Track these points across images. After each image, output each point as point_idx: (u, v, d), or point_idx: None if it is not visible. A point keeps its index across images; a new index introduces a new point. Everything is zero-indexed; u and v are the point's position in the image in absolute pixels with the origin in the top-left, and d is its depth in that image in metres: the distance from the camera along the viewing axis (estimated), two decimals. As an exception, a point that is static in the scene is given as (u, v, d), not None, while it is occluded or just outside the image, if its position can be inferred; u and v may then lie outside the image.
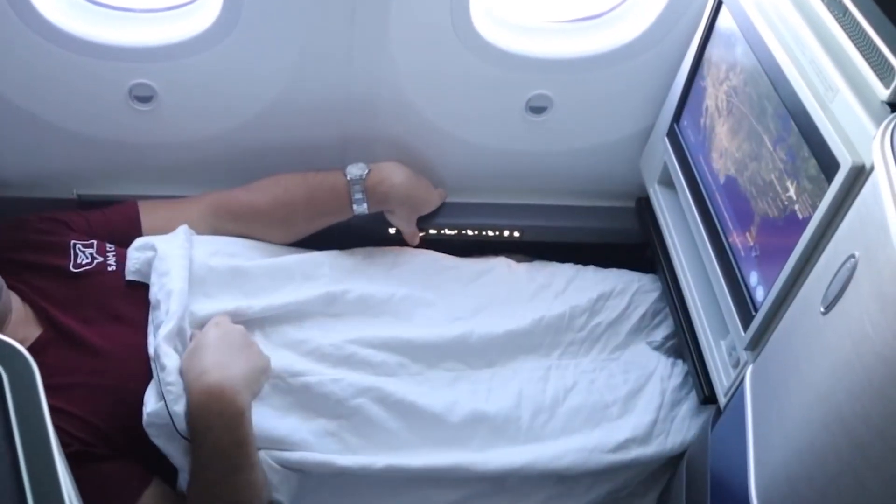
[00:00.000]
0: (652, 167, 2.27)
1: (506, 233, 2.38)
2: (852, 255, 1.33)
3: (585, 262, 2.34)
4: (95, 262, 1.96)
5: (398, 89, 2.16)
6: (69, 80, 2.09)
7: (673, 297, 2.14)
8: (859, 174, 1.41)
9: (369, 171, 2.19)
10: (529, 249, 2.39)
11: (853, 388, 1.27)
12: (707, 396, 1.93)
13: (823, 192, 1.49)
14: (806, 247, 1.53)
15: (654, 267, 2.28)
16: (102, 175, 2.27)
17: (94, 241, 2.00)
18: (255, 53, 2.07)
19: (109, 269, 1.96)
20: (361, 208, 2.19)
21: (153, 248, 1.97)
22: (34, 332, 1.85)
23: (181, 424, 1.71)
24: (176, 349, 1.81)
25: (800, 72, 1.60)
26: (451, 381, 2.03)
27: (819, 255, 1.49)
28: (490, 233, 2.37)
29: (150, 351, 1.82)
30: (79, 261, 1.95)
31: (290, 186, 2.19)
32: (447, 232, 2.35)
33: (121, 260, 1.98)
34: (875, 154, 1.32)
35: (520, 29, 2.17)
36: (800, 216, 1.58)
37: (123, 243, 2.02)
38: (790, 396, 1.48)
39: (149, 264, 1.95)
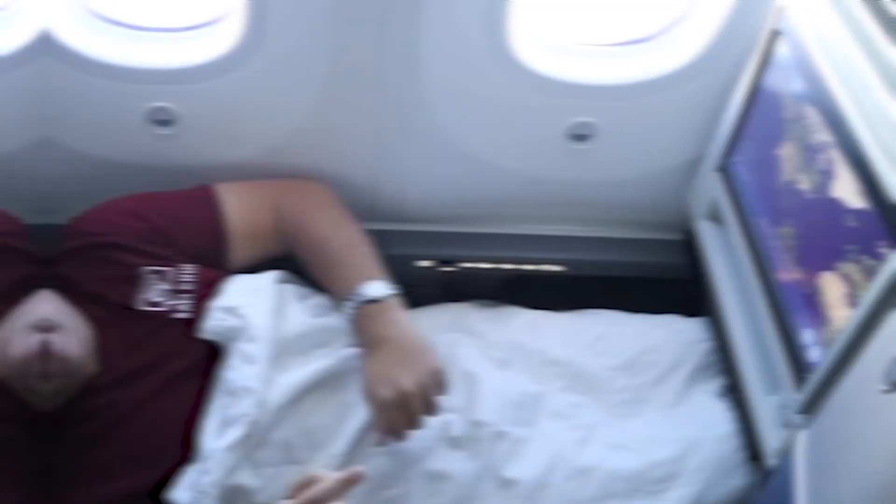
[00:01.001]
0: (700, 202, 2.14)
1: (545, 266, 2.25)
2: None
3: (627, 298, 2.19)
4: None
5: (430, 114, 2.06)
6: (85, 102, 2.01)
7: (720, 339, 2.00)
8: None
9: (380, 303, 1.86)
10: (569, 284, 2.26)
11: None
12: (756, 454, 1.79)
13: (886, 258, 1.35)
14: (867, 315, 1.37)
15: (701, 306, 2.14)
16: None
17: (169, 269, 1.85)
18: (279, 77, 1.98)
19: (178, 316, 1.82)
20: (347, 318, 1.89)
21: (241, 316, 1.80)
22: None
23: None
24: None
25: (868, 125, 1.45)
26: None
27: (880, 326, 1.35)
28: (528, 266, 2.25)
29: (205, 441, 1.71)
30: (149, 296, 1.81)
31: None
32: (482, 266, 2.23)
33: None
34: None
35: (561, 52, 2.06)
36: (858, 279, 1.43)
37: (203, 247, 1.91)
38: (844, 479, 1.36)
39: (232, 331, 1.79)
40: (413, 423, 1.73)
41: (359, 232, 1.98)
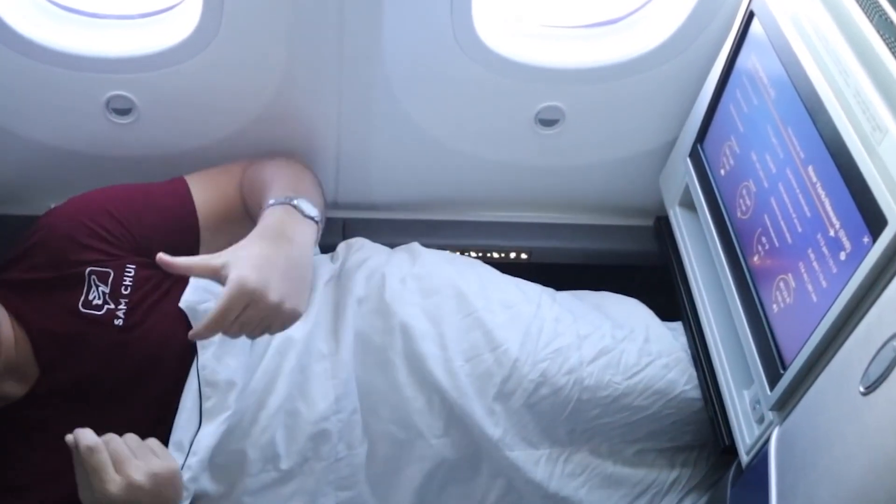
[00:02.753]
0: (673, 188, 2.03)
1: (512, 254, 2.17)
2: (896, 335, 1.11)
3: (598, 286, 2.11)
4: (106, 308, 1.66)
5: (394, 99, 1.96)
6: (42, 92, 1.92)
7: (692, 332, 1.90)
8: (911, 234, 1.17)
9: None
10: (537, 272, 2.15)
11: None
12: (726, 448, 1.70)
13: (866, 250, 1.24)
14: (843, 310, 1.28)
15: (673, 294, 2.03)
16: (80, 190, 2.01)
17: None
18: (238, 63, 1.89)
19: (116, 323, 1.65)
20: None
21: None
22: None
23: None
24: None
25: (843, 106, 1.34)
26: None
27: (858, 323, 1.26)
28: (496, 254, 2.16)
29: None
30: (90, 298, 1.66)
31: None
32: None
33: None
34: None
35: (528, 36, 1.96)
36: (836, 271, 1.33)
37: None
38: (820, 479, 1.26)
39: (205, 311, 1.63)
40: (240, 329, 1.50)
41: (314, 184, 1.83)
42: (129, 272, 1.66)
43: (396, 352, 1.77)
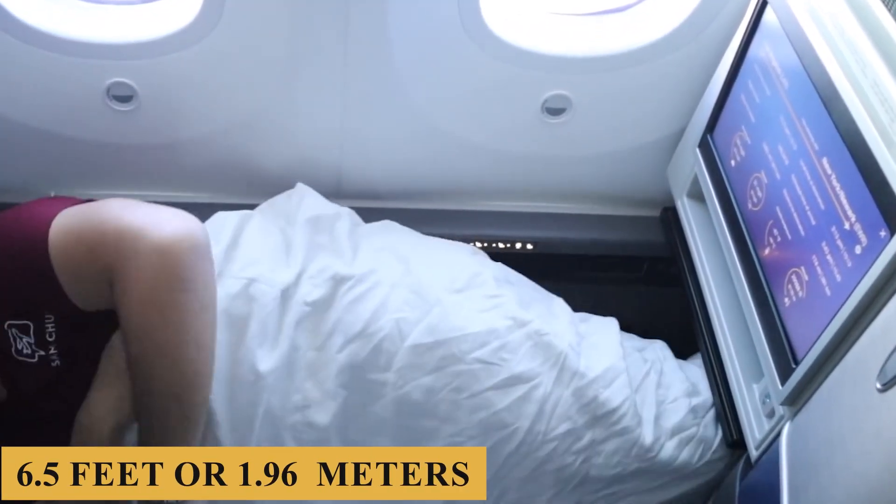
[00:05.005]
0: (681, 178, 2.00)
1: (518, 245, 2.13)
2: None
3: (605, 276, 2.09)
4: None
5: (399, 88, 1.93)
6: (41, 78, 1.89)
7: (700, 323, 1.87)
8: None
9: None
10: (543, 262, 2.14)
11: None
12: (735, 441, 1.70)
13: (883, 244, 1.21)
14: (858, 305, 1.25)
15: (681, 285, 2.01)
16: (80, 178, 2.07)
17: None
18: (241, 51, 1.86)
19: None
20: None
21: None
22: None
23: None
24: None
25: (860, 97, 1.31)
26: None
27: (874, 318, 1.23)
28: (501, 245, 2.13)
29: None
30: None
31: None
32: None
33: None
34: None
35: (536, 23, 1.92)
36: (851, 265, 1.30)
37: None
38: (835, 477, 1.23)
39: None
40: None
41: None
42: (50, 320, 1.56)
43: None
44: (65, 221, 1.48)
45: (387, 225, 1.94)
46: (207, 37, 1.82)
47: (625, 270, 2.14)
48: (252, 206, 1.95)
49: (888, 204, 1.21)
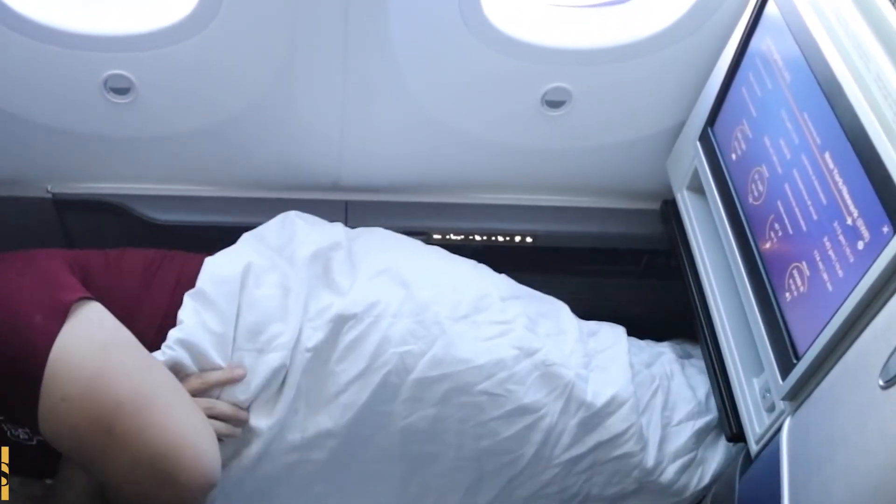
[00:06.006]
0: (680, 171, 1.97)
1: (517, 238, 2.11)
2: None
3: (605, 269, 2.08)
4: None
5: (399, 80, 1.90)
6: (38, 70, 1.85)
7: (700, 317, 1.85)
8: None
9: None
10: (543, 255, 2.13)
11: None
12: (735, 435, 1.67)
13: (886, 240, 1.20)
14: (861, 301, 1.23)
15: (680, 278, 1.98)
16: (78, 170, 2.04)
17: None
18: (240, 43, 1.83)
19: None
20: None
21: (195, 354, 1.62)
22: None
23: None
24: None
25: (863, 91, 1.29)
26: None
27: (876, 314, 1.21)
28: (500, 238, 2.10)
29: None
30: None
31: None
32: (453, 237, 2.08)
33: None
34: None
35: (536, 15, 1.89)
36: (853, 261, 1.28)
37: None
38: (836, 473, 1.22)
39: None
40: None
41: None
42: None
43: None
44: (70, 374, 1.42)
45: (384, 238, 1.91)
46: (205, 29, 1.79)
47: (624, 263, 2.12)
48: (251, 200, 1.95)
49: (891, 199, 1.19)
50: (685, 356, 1.98)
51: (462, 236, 2.09)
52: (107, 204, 2.06)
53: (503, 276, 1.91)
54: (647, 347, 1.98)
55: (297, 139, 2.01)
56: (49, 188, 2.06)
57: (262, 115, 1.95)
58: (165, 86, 1.91)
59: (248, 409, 1.62)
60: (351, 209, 2.06)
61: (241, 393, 1.60)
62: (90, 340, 1.44)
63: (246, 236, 1.80)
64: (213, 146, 2.00)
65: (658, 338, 2.05)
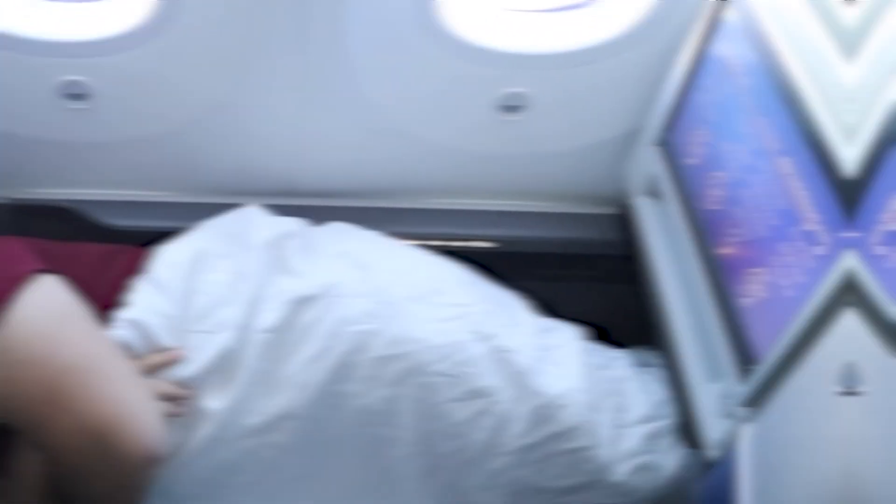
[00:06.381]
0: (638, 176, 1.99)
1: (475, 242, 2.12)
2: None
3: (561, 274, 2.10)
4: None
5: (355, 85, 1.92)
6: None
7: (658, 322, 1.85)
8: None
9: None
10: (500, 260, 2.10)
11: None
12: (691, 440, 1.68)
13: (844, 245, 1.20)
14: (819, 306, 1.24)
15: (637, 283, 1.99)
16: (34, 177, 2.05)
17: None
18: (197, 49, 1.86)
19: None
20: None
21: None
22: None
23: None
24: None
25: (821, 96, 1.31)
26: None
27: (834, 321, 1.22)
28: (458, 243, 2.09)
29: None
30: None
31: None
32: (409, 242, 2.03)
33: None
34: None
35: (492, 20, 1.92)
36: (812, 266, 1.28)
37: None
38: (794, 479, 1.26)
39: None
40: None
41: None
42: None
43: None
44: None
45: (342, 228, 1.92)
46: (163, 34, 1.80)
47: (583, 268, 2.13)
48: (209, 205, 1.93)
49: (849, 205, 1.20)
50: (643, 365, 1.98)
51: (421, 241, 2.06)
52: (62, 210, 2.04)
53: (461, 267, 1.92)
54: (604, 352, 1.98)
55: (255, 145, 2.02)
56: (3, 194, 2.04)
57: (220, 120, 1.96)
58: (123, 91, 1.92)
59: (195, 390, 1.62)
60: (309, 214, 2.03)
61: (185, 371, 1.61)
62: (46, 309, 1.48)
63: (202, 225, 1.81)
64: (171, 152, 2.01)
65: (616, 345, 2.05)
